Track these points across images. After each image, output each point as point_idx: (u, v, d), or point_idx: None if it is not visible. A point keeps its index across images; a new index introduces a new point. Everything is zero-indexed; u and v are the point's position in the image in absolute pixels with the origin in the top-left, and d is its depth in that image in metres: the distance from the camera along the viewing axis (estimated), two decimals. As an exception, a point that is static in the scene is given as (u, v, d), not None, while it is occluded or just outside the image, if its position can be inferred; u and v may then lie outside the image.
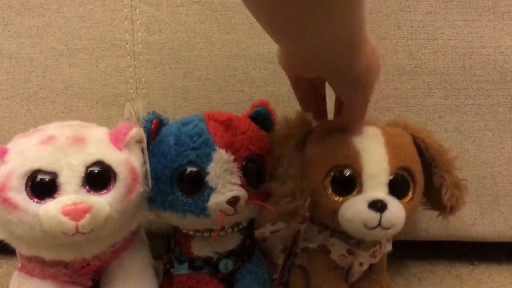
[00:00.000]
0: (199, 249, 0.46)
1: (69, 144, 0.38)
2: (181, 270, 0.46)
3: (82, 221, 0.36)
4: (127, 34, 0.57)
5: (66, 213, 0.36)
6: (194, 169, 0.41)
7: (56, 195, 0.37)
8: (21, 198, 0.36)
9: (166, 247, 0.52)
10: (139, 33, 0.57)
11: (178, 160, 0.41)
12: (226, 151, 0.41)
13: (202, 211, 0.41)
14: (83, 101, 0.58)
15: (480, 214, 0.59)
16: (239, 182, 0.41)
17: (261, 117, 0.47)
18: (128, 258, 0.45)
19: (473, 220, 0.59)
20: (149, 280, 0.46)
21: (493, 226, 0.59)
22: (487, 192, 0.59)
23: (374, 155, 0.42)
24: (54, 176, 0.37)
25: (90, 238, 0.39)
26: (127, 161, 0.41)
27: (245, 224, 0.47)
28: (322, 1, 0.29)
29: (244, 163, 0.42)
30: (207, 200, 0.40)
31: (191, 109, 0.58)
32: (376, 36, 0.57)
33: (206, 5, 0.57)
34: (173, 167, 0.41)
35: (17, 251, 0.43)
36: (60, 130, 0.40)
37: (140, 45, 0.57)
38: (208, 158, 0.40)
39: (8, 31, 0.57)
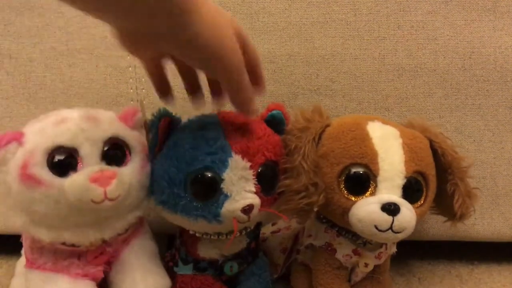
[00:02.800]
0: (205, 251, 0.46)
1: (84, 122, 0.40)
2: (186, 270, 0.46)
3: (110, 187, 0.38)
4: (127, 34, 0.57)
5: (94, 180, 0.37)
6: (209, 174, 0.39)
7: (78, 169, 0.38)
8: (44, 173, 0.37)
9: (166, 246, 0.52)
10: (139, 33, 0.57)
11: (193, 164, 0.40)
12: (242, 158, 0.40)
13: (215, 217, 0.40)
14: (83, 101, 0.58)
15: (480, 214, 0.59)
16: (254, 190, 0.40)
17: (276, 121, 0.46)
18: (137, 247, 0.46)
19: (473, 220, 0.59)
20: (158, 267, 0.46)
21: (493, 226, 0.59)
22: (487, 192, 0.59)
23: (392, 157, 0.41)
24: (74, 151, 0.38)
25: (112, 213, 0.40)
26: (138, 137, 0.44)
27: (252, 228, 0.47)
28: None
29: (259, 169, 0.41)
30: (221, 207, 0.39)
31: (192, 109, 0.58)
32: (376, 36, 0.57)
33: (206, 5, 0.56)
34: (188, 172, 0.40)
35: (25, 246, 0.44)
36: (72, 112, 0.42)
37: (140, 45, 0.57)
38: (224, 164, 0.39)
39: (8, 31, 0.57)
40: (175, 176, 0.40)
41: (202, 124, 0.42)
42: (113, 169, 0.39)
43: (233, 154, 0.40)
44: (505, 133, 0.58)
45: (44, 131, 0.39)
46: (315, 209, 0.44)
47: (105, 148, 0.40)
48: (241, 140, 0.41)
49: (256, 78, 0.41)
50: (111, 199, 0.38)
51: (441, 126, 0.57)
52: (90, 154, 0.39)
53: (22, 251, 0.45)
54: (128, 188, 0.40)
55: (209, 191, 0.40)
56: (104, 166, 0.39)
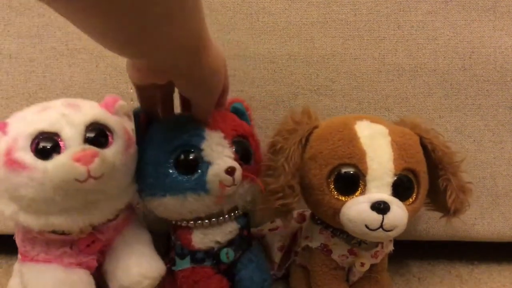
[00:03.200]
0: (200, 241, 0.46)
1: (66, 108, 0.41)
2: (184, 264, 0.47)
3: (93, 165, 0.38)
4: (127, 34, 0.57)
5: (77, 159, 0.37)
6: (190, 149, 0.43)
7: (61, 152, 0.39)
8: (28, 157, 0.38)
9: (164, 249, 0.52)
10: (139, 33, 0.57)
11: (173, 143, 0.43)
12: (216, 131, 0.44)
13: (202, 187, 0.43)
14: (83, 101, 0.58)
15: (480, 214, 0.59)
16: (232, 156, 0.44)
17: (239, 112, 0.49)
18: (129, 234, 0.46)
19: (473, 220, 0.59)
20: (152, 251, 0.47)
21: (493, 226, 0.59)
22: (487, 192, 0.59)
23: (380, 155, 0.41)
24: (56, 136, 0.39)
25: (99, 195, 0.41)
26: (120, 121, 0.44)
27: (241, 213, 0.48)
28: (157, 15, 0.29)
29: (233, 146, 0.45)
30: (206, 175, 0.42)
31: (191, 109, 0.58)
32: (376, 36, 0.57)
33: (206, 5, 0.56)
34: (169, 150, 0.43)
35: (18, 241, 0.44)
36: (54, 101, 0.43)
37: (140, 45, 0.57)
38: (201, 137, 0.43)
39: (8, 31, 0.57)
40: (158, 157, 0.44)
41: (176, 116, 0.48)
42: (95, 148, 0.39)
43: (206, 129, 0.44)
44: (505, 133, 0.58)
45: (26, 118, 0.40)
46: (294, 211, 0.44)
47: (88, 134, 0.40)
48: (212, 120, 0.45)
49: (218, 102, 0.45)
50: (94, 177, 0.38)
51: (441, 126, 0.58)
52: (72, 137, 0.39)
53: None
54: (112, 167, 0.40)
55: (192, 163, 0.43)
56: (86, 146, 0.39)
